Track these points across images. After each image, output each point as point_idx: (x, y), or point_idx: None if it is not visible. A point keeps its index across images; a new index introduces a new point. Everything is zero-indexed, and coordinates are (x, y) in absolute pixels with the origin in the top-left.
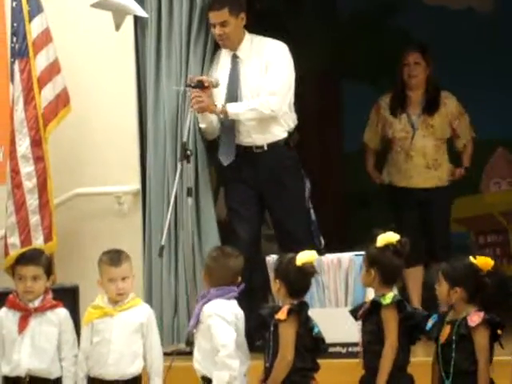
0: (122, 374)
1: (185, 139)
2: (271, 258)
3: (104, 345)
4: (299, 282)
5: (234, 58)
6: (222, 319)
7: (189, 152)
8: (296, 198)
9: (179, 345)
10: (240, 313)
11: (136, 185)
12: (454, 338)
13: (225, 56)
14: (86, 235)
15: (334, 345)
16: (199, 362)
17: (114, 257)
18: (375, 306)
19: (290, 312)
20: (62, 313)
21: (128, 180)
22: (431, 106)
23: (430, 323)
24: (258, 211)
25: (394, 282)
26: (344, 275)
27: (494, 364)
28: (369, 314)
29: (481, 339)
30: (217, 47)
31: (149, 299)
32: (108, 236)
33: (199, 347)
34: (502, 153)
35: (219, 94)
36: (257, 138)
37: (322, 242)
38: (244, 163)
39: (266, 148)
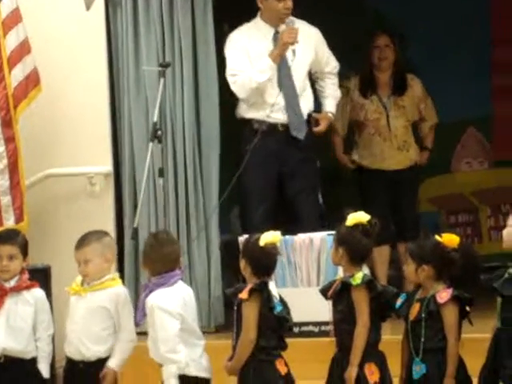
0: (82, 354)
1: (156, 119)
2: (243, 238)
3: (69, 323)
4: (262, 261)
5: (277, 33)
6: (163, 312)
7: (159, 132)
8: (309, 177)
9: None
10: (188, 294)
11: (108, 165)
12: (423, 315)
13: (262, 31)
14: (58, 216)
15: (307, 324)
16: (153, 352)
17: (80, 240)
18: (345, 286)
19: (251, 291)
20: (38, 293)
21: (100, 161)
22: (400, 87)
23: (399, 302)
24: (275, 192)
25: (363, 262)
26: (316, 255)
27: (463, 341)
28: (339, 294)
29: (449, 316)
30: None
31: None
32: (80, 217)
33: (151, 337)
34: (473, 132)
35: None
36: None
37: (325, 224)
38: (269, 140)
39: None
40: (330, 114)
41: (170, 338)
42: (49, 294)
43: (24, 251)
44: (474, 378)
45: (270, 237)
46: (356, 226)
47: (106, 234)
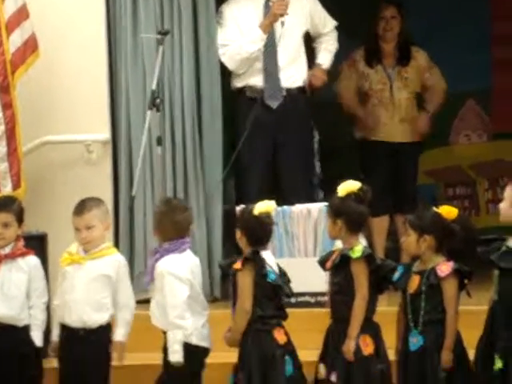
0: (83, 322)
1: (154, 87)
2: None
3: (68, 292)
4: (257, 231)
5: (267, 1)
6: (174, 277)
7: (158, 100)
8: (301, 148)
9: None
10: (195, 263)
11: (105, 133)
12: (423, 288)
13: (252, 0)
14: (55, 183)
15: (303, 294)
16: (157, 318)
17: (79, 206)
18: (344, 258)
19: (244, 261)
20: (33, 260)
21: (97, 128)
22: (404, 57)
23: (396, 274)
24: (270, 162)
25: (360, 229)
26: (313, 225)
27: (460, 313)
28: (337, 266)
29: (450, 289)
30: None
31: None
32: (77, 184)
33: (157, 303)
34: (472, 105)
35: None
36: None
37: (321, 194)
38: (263, 110)
39: (284, 93)
40: (323, 67)
41: (178, 303)
42: (44, 262)
43: (19, 218)
44: (470, 349)
45: (264, 206)
46: (348, 195)
47: (101, 200)
